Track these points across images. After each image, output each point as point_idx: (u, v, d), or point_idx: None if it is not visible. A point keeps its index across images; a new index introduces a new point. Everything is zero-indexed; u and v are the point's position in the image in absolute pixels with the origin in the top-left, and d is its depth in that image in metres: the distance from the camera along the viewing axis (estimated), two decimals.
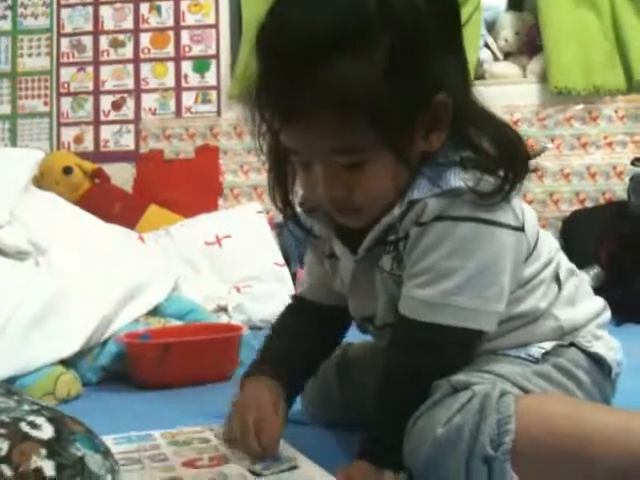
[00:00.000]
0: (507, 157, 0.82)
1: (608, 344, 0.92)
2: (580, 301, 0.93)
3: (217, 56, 3.05)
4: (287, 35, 0.76)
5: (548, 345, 0.87)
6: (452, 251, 0.79)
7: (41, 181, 2.49)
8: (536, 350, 0.86)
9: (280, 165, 0.89)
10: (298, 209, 0.94)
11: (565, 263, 0.94)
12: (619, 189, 2.81)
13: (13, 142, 3.08)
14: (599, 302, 0.96)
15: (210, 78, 3.05)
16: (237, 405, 0.91)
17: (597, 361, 0.89)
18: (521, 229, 0.83)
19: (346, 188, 0.81)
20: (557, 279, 0.91)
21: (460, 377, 0.78)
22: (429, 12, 0.77)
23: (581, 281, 0.96)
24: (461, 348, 0.82)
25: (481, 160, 0.81)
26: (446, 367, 0.81)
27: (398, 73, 0.76)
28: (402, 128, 0.78)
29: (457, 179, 0.80)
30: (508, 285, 0.82)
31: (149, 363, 1.40)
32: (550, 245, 0.93)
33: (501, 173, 0.80)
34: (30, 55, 3.11)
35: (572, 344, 0.88)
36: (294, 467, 0.81)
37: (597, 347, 0.89)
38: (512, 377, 0.81)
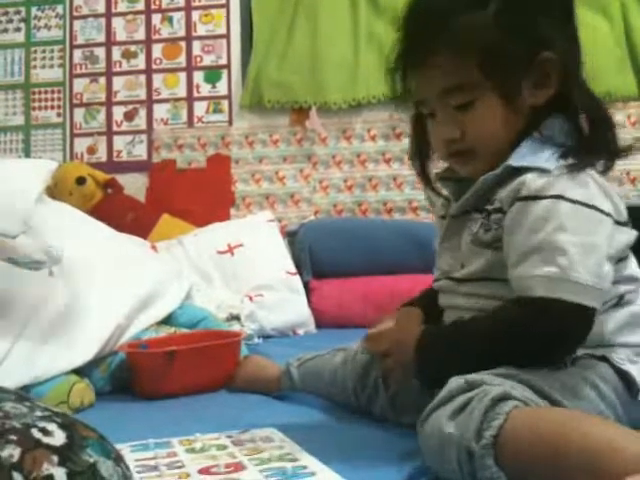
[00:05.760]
0: (601, 140, 0.90)
1: None
2: (635, 327, 0.92)
3: (228, 66, 3.06)
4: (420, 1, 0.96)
5: (579, 351, 0.86)
6: (559, 228, 0.83)
7: (54, 191, 2.51)
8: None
9: (419, 137, 1.02)
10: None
11: None
12: (633, 194, 2.79)
13: (27, 153, 3.11)
14: None
15: (221, 88, 3.06)
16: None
17: (626, 381, 0.87)
18: (622, 223, 0.89)
19: (460, 129, 0.92)
20: (622, 297, 0.92)
21: (476, 377, 0.79)
22: None
23: None
24: (574, 325, 0.83)
25: (580, 144, 0.89)
26: (560, 346, 0.83)
27: (506, 25, 0.88)
28: (508, 74, 0.89)
29: (554, 160, 0.87)
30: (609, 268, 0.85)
31: (150, 372, 1.40)
32: (638, 270, 0.95)
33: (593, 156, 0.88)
34: (43, 67, 3.14)
35: (604, 358, 0.88)
36: (311, 474, 0.80)
37: (629, 368, 0.88)
38: (539, 386, 0.80)
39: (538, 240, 0.83)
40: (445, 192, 1.03)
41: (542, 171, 0.86)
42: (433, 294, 1.04)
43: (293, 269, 2.48)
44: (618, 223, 0.89)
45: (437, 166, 1.05)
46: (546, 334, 0.82)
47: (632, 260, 0.95)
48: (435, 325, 0.98)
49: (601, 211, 0.85)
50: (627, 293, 0.92)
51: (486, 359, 0.83)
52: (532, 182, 0.86)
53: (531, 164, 0.87)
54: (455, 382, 0.79)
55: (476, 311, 0.91)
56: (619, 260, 0.91)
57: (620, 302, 0.92)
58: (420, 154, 1.04)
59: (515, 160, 0.89)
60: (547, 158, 0.87)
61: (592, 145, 0.89)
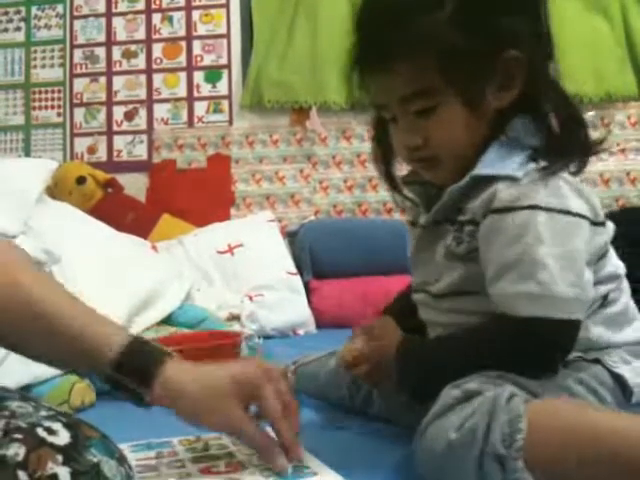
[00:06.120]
0: (572, 139, 0.85)
1: (636, 370, 0.89)
2: (622, 324, 0.91)
3: (228, 66, 3.07)
4: (374, 2, 0.90)
5: (571, 355, 0.85)
6: (537, 240, 0.80)
7: (54, 191, 2.51)
8: None
9: (382, 140, 0.97)
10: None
11: (626, 286, 0.94)
12: (633, 195, 2.79)
13: (27, 152, 3.11)
14: None
15: (222, 88, 3.06)
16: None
17: (620, 383, 0.87)
18: (599, 224, 0.86)
19: (422, 136, 0.87)
20: (605, 297, 0.90)
21: (472, 385, 0.78)
22: None
23: (631, 307, 0.95)
24: (561, 340, 0.82)
25: (550, 145, 0.85)
26: (549, 361, 0.82)
27: (464, 25, 0.83)
28: (470, 79, 0.84)
29: (524, 166, 0.83)
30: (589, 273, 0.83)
31: None
32: (618, 265, 0.94)
33: (564, 157, 0.84)
34: (43, 66, 3.14)
35: (597, 361, 0.87)
36: (312, 474, 0.80)
37: (623, 370, 0.87)
38: (532, 387, 0.80)
39: (517, 254, 0.81)
40: (412, 196, 0.99)
41: (512, 179, 0.83)
42: (407, 301, 1.02)
43: (293, 269, 2.48)
44: (595, 224, 0.86)
45: (404, 168, 1.01)
46: (532, 352, 0.81)
47: (611, 254, 0.93)
48: (413, 334, 0.95)
49: (577, 215, 0.83)
50: (610, 292, 0.91)
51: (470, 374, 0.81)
52: (503, 193, 0.82)
53: (500, 172, 0.84)
54: (450, 392, 0.78)
55: (457, 327, 0.89)
56: (598, 259, 0.89)
57: (604, 303, 0.90)
58: (384, 157, 0.99)
59: (482, 168, 0.85)
60: (516, 164, 0.84)
61: (562, 145, 0.85)
